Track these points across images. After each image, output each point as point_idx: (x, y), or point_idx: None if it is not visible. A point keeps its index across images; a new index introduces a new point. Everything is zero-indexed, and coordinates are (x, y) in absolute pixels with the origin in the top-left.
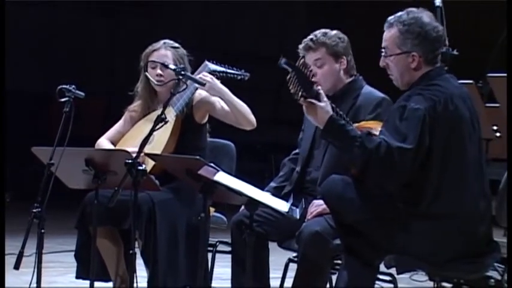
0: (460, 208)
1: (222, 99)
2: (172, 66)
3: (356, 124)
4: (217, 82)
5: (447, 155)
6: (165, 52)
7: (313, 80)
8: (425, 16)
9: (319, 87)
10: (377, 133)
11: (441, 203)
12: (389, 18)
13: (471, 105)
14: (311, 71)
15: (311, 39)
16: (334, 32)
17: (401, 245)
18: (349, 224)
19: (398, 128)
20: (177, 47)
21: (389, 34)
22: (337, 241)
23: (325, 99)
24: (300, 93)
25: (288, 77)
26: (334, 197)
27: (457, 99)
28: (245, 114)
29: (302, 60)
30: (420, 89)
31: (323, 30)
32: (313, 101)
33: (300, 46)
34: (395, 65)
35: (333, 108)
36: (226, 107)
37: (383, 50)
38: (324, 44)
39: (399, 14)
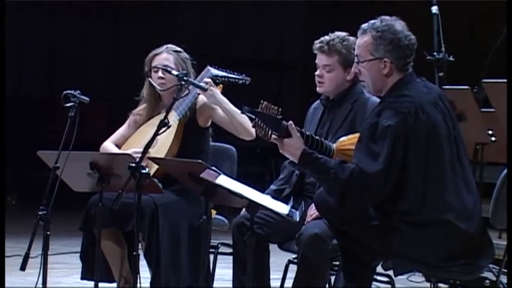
0: (446, 212)
1: (221, 108)
2: (174, 72)
3: (340, 140)
4: (218, 92)
5: (426, 163)
6: (166, 56)
7: (279, 117)
8: (398, 24)
9: (290, 122)
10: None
11: (427, 210)
12: (363, 25)
13: (444, 106)
14: (276, 109)
15: (328, 43)
16: (352, 39)
17: (395, 250)
18: (343, 231)
19: (371, 149)
20: (179, 51)
21: (362, 41)
22: (336, 240)
23: (296, 132)
24: (270, 134)
25: (253, 124)
26: (326, 208)
27: (427, 106)
28: (244, 125)
29: (264, 103)
30: (390, 102)
31: (342, 36)
32: (284, 140)
33: (315, 44)
34: (367, 71)
35: (308, 137)
36: (226, 115)
37: (356, 57)
38: (338, 52)
39: (373, 21)
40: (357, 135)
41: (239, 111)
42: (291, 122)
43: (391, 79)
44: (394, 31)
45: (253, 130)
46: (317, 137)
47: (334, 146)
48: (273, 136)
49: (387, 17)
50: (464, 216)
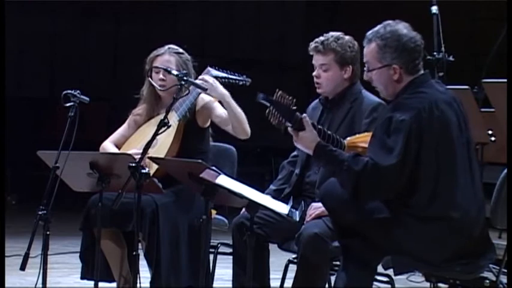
0: (454, 210)
1: (222, 102)
2: (174, 72)
3: (349, 138)
4: (219, 85)
5: (438, 159)
6: (168, 58)
7: (293, 108)
8: (402, 28)
9: (304, 115)
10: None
11: (436, 205)
12: (368, 33)
13: (458, 108)
14: (290, 99)
15: (322, 42)
16: (347, 38)
17: (398, 245)
18: (347, 225)
19: (385, 143)
20: (181, 53)
21: (369, 49)
22: (335, 243)
23: (310, 125)
24: (284, 124)
25: (267, 111)
26: (332, 198)
27: (442, 104)
28: (242, 123)
29: (280, 92)
30: (404, 98)
31: (336, 35)
32: (299, 133)
33: (311, 45)
34: (378, 78)
35: (320, 130)
36: (224, 114)
37: (365, 64)
38: (333, 51)
39: (377, 28)
40: (369, 133)
41: (239, 108)
42: (305, 114)
43: (402, 83)
44: (398, 36)
45: (248, 129)
46: (329, 132)
47: (345, 141)
48: (288, 128)
49: (390, 22)
50: (470, 217)
